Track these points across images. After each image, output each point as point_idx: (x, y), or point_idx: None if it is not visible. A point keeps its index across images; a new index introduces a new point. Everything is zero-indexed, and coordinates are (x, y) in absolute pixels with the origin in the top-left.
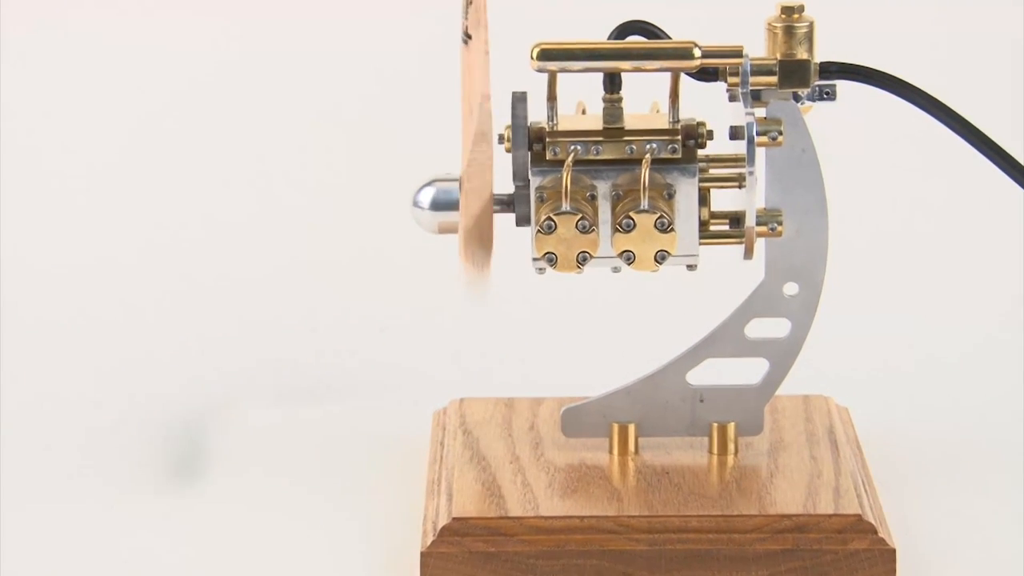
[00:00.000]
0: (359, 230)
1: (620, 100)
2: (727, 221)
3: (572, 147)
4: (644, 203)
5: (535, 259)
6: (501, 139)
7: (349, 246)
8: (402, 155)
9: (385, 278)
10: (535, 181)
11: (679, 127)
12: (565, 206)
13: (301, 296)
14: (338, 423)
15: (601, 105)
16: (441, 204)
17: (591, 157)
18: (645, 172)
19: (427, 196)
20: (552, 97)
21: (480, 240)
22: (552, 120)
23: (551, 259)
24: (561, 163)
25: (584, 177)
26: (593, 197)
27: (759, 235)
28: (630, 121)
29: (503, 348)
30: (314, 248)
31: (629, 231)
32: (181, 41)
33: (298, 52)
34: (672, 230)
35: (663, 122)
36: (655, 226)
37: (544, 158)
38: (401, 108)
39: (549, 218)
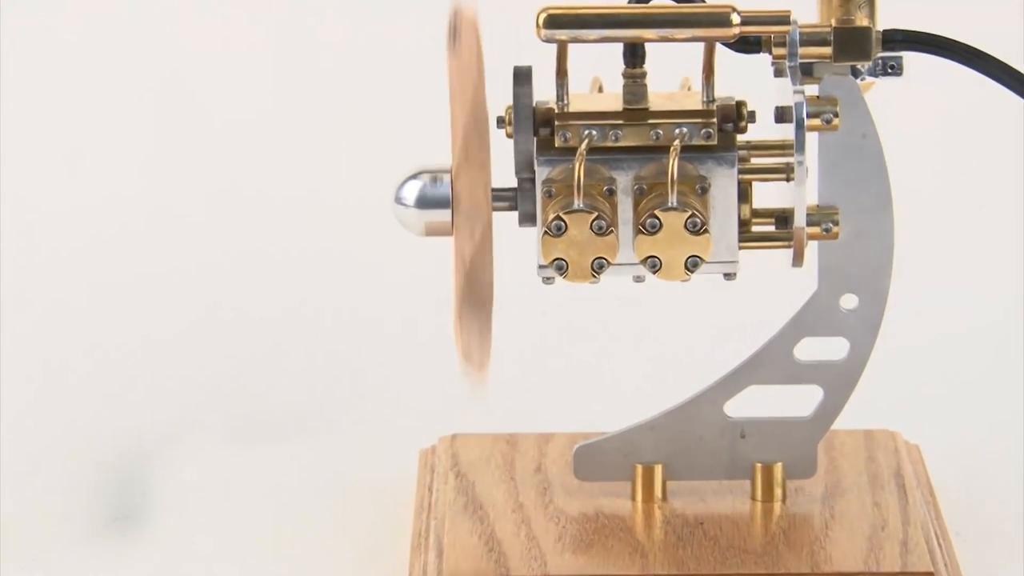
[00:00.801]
0: (332, 232)
1: (644, 76)
2: (772, 221)
3: (586, 132)
4: (672, 199)
5: (542, 266)
6: (501, 122)
7: (322, 249)
8: (384, 158)
9: (361, 287)
10: (542, 172)
11: (714, 108)
12: (578, 203)
13: (261, 312)
14: (304, 465)
15: (621, 82)
16: (429, 201)
17: (609, 144)
18: (674, 162)
19: (412, 191)
20: (562, 72)
21: (476, 317)
22: (562, 100)
23: (561, 266)
24: (573, 151)
25: (601, 168)
26: (611, 192)
27: (811, 237)
28: (656, 101)
29: (503, 373)
30: (282, 256)
31: (654, 233)
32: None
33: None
34: (706, 231)
35: (695, 102)
36: (686, 227)
37: (553, 145)
38: (395, 110)
39: (559, 217)
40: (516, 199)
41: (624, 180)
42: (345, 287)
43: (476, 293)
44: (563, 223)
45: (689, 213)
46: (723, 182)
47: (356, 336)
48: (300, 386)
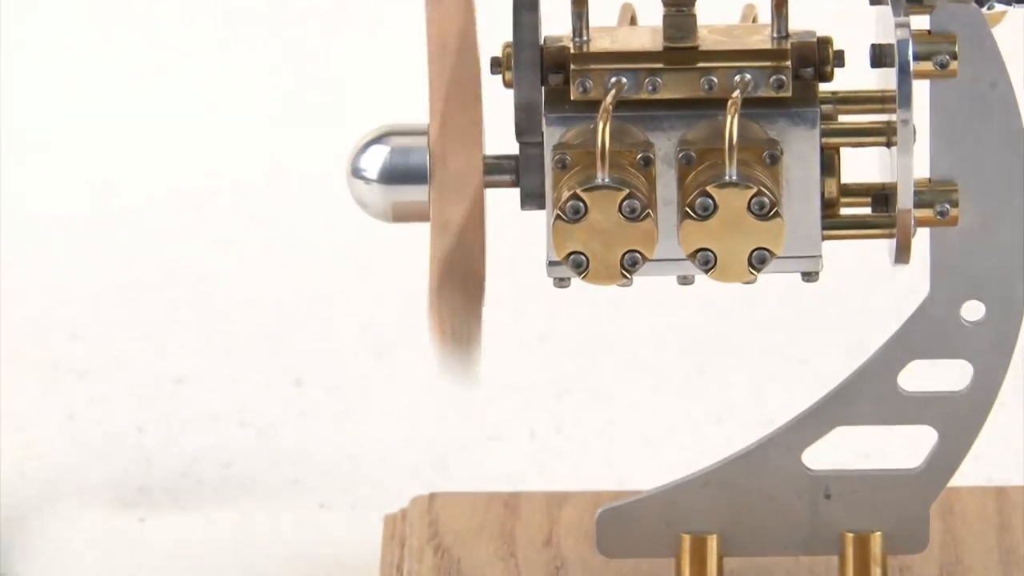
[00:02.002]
0: (272, 231)
1: (692, 2)
2: (868, 201)
3: (613, 79)
4: (731, 172)
5: (553, 263)
6: (496, 66)
7: (260, 249)
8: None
9: (305, 299)
10: (553, 135)
11: (789, 47)
12: (602, 176)
13: (184, 335)
14: (230, 536)
15: (661, 11)
16: (398, 172)
17: (645, 96)
18: (733, 120)
19: (375, 159)
20: (579, 3)
21: (463, 291)
22: (581, 35)
23: (579, 263)
24: (595, 105)
25: (633, 129)
26: (648, 162)
27: (920, 224)
28: (709, 37)
29: (497, 409)
30: (209, 268)
31: (707, 217)
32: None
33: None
34: (777, 215)
35: (762, 39)
36: (750, 208)
37: (567, 97)
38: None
39: (576, 196)
40: (517, 171)
41: (665, 145)
42: (284, 304)
43: (464, 269)
44: (582, 204)
45: (754, 190)
46: (801, 148)
47: (301, 363)
48: (220, 430)
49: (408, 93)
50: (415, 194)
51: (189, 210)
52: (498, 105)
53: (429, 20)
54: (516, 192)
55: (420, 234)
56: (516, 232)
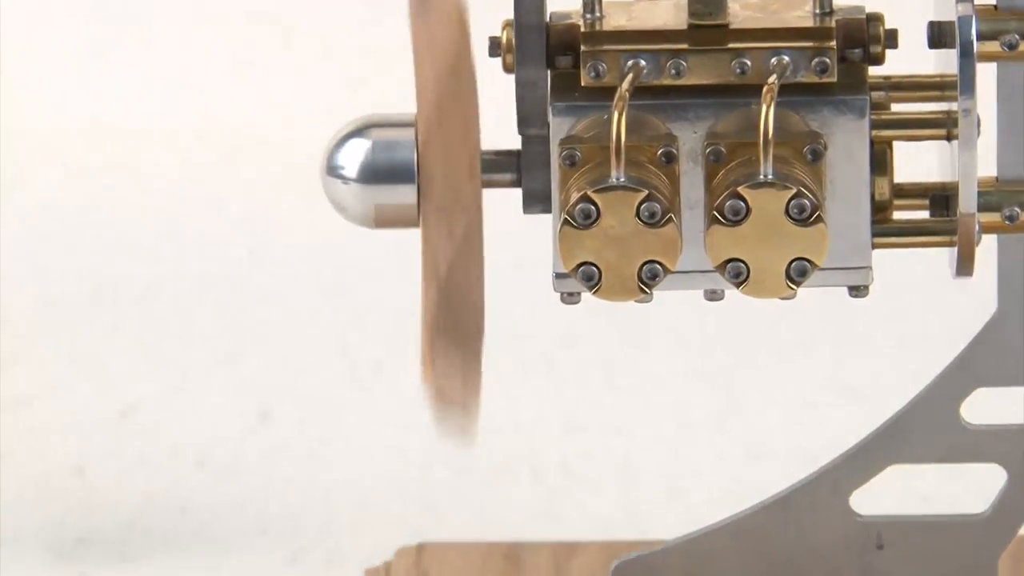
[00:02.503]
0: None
1: None
2: (925, 203)
3: (630, 62)
4: (767, 170)
5: (560, 275)
6: (495, 48)
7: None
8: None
9: (272, 316)
10: (560, 126)
11: (833, 24)
12: (617, 175)
13: (130, 359)
14: None
15: None
16: (381, 171)
17: (667, 82)
18: (769, 110)
19: (354, 155)
20: None
21: (458, 343)
22: (593, 11)
23: (590, 275)
24: (609, 92)
25: (654, 120)
26: (670, 158)
27: (985, 230)
28: (741, 14)
29: (496, 445)
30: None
31: (738, 222)
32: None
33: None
34: (820, 220)
35: (802, 15)
36: (788, 212)
37: (577, 83)
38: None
39: (587, 198)
40: (518, 169)
41: (690, 139)
42: (250, 326)
43: (457, 319)
44: (594, 207)
45: (793, 191)
46: (848, 141)
47: (266, 395)
48: (174, 472)
49: None
50: (400, 195)
51: (135, 216)
52: (497, 93)
53: (416, 32)
54: (518, 193)
55: (405, 240)
56: (518, 239)
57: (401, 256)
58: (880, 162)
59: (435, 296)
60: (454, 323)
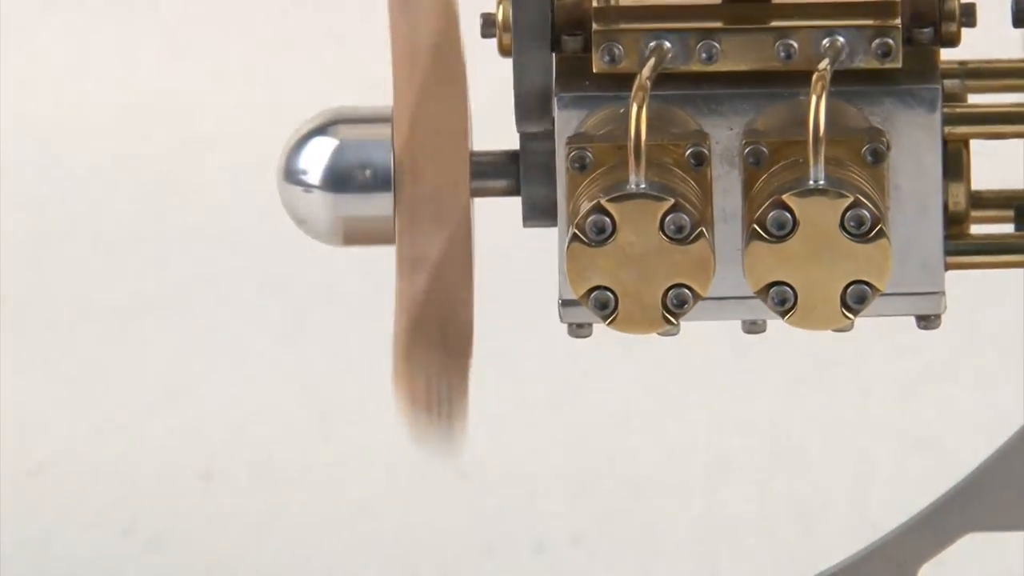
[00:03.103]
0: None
1: None
2: (1008, 215)
3: (652, 44)
4: (818, 174)
5: (567, 302)
6: (489, 27)
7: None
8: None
9: (217, 351)
10: (568, 122)
11: None
12: (637, 180)
13: (44, 407)
14: None
15: None
16: (350, 176)
17: (697, 68)
18: (820, 102)
19: (318, 157)
20: None
21: (442, 346)
22: None
23: (604, 303)
24: (627, 81)
25: (681, 114)
26: (700, 160)
27: None
28: None
29: (493, 510)
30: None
31: (784, 237)
32: None
33: None
34: (882, 234)
35: None
36: (844, 225)
37: (588, 69)
38: None
39: (600, 208)
40: (517, 174)
41: (726, 137)
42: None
43: (442, 343)
44: (609, 219)
45: (849, 200)
46: (915, 140)
47: (209, 451)
48: (98, 541)
49: None
50: (373, 206)
51: (56, 229)
52: (491, 81)
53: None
54: (515, 204)
55: (382, 258)
56: (515, 257)
57: (373, 274)
58: (954, 165)
59: (416, 292)
60: (438, 323)
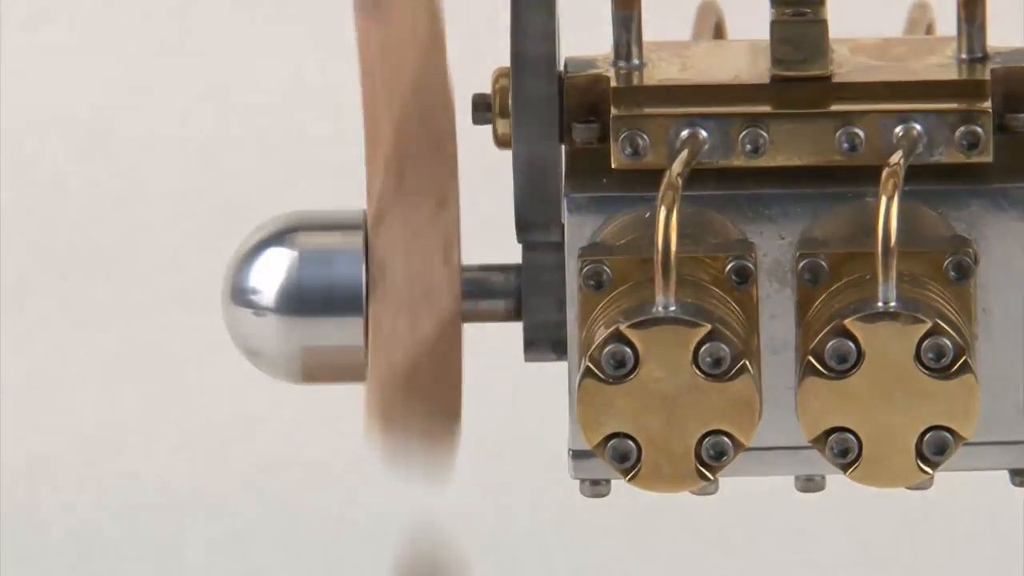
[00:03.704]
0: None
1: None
2: None
3: (685, 132)
4: (888, 293)
5: (578, 454)
6: (483, 109)
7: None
8: None
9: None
10: (580, 229)
11: (988, 76)
12: (665, 301)
13: None
14: None
15: (766, 17)
16: (312, 297)
17: (740, 163)
18: (891, 205)
19: (272, 272)
20: None
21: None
22: (629, 56)
23: (624, 453)
24: (652, 178)
25: (720, 219)
26: (743, 276)
27: None
28: (850, 60)
29: None
30: None
31: (846, 372)
32: None
33: None
34: (967, 369)
35: (941, 61)
36: (920, 359)
37: (606, 164)
38: None
39: (620, 336)
40: (517, 293)
41: (775, 248)
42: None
43: (430, 383)
44: (630, 350)
45: (927, 326)
46: (1009, 252)
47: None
48: None
49: None
50: (341, 332)
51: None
52: (483, 177)
53: (363, 44)
54: (515, 330)
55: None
56: (513, 389)
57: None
58: None
59: (397, 359)
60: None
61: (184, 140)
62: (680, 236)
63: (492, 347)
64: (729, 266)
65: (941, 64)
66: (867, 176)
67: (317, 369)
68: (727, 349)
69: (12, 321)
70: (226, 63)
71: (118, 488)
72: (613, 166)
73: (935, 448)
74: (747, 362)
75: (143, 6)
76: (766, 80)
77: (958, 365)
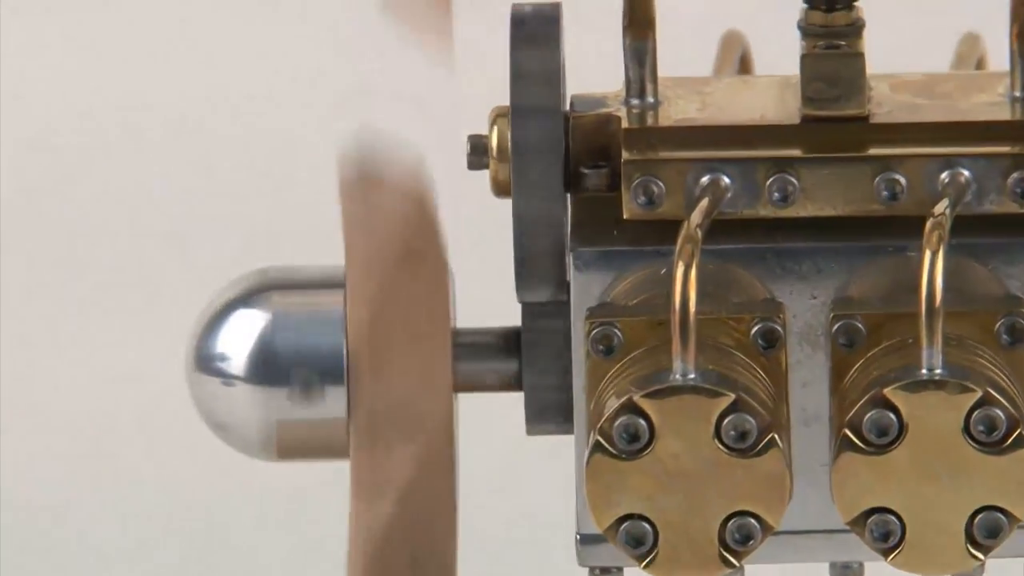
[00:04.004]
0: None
1: (857, 28)
2: None
3: (705, 179)
4: (933, 359)
5: (587, 538)
6: (479, 156)
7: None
8: None
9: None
10: (588, 288)
11: None
12: (683, 368)
13: None
14: None
15: (796, 48)
16: (285, 365)
17: (767, 213)
18: (936, 260)
19: (242, 337)
20: (641, 20)
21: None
22: (642, 93)
23: (639, 537)
24: (666, 229)
25: (745, 276)
26: (772, 340)
27: None
28: (889, 99)
29: None
30: None
31: (887, 446)
32: None
33: None
34: (1022, 442)
35: (991, 100)
36: (969, 431)
37: (617, 214)
38: None
39: (633, 407)
40: (518, 360)
41: (807, 309)
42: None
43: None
44: (644, 422)
45: (977, 395)
46: None
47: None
48: None
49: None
50: (320, 406)
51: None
52: (479, 229)
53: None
54: (514, 403)
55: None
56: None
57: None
58: None
59: (365, 561)
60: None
61: (185, 141)
62: (700, 295)
63: (488, 418)
64: (755, 329)
65: (992, 103)
66: (909, 228)
67: (293, 445)
68: (753, 421)
69: (12, 321)
70: (225, 63)
71: (117, 487)
72: (624, 216)
73: (987, 531)
74: (775, 435)
75: (143, 6)
76: (796, 120)
77: (1012, 439)
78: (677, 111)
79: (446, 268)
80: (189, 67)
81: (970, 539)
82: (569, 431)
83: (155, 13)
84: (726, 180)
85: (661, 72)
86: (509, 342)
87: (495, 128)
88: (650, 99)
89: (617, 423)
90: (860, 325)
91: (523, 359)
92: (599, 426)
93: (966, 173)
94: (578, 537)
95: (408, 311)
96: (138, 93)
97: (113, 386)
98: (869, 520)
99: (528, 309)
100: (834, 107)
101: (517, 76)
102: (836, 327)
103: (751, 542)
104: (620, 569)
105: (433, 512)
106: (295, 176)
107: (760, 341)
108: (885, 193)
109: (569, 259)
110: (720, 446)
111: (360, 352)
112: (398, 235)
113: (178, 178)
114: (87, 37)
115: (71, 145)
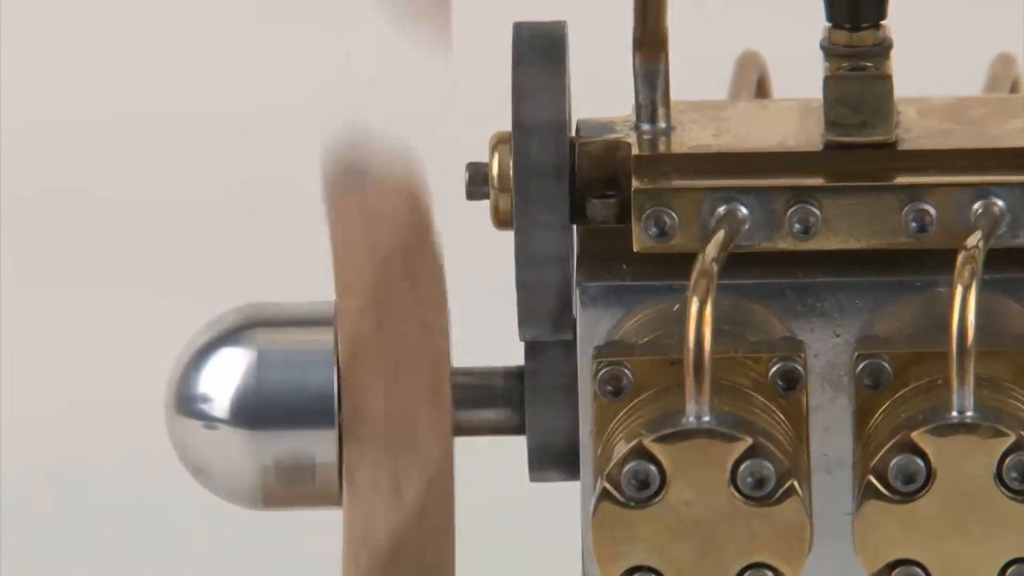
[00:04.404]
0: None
1: (885, 48)
2: None
3: (722, 209)
4: (963, 402)
5: None
6: (478, 185)
7: None
8: None
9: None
10: (595, 322)
11: None
12: (697, 411)
13: None
14: None
15: (818, 71)
16: (274, 407)
17: (786, 245)
18: (968, 296)
19: (227, 377)
20: (653, 41)
21: None
22: (654, 118)
23: None
24: (679, 263)
25: (763, 312)
26: (792, 381)
27: None
28: (918, 124)
29: None
30: None
31: (914, 494)
32: None
33: None
34: None
35: None
36: (1002, 478)
37: (627, 247)
38: None
39: (643, 452)
40: (521, 404)
41: (830, 347)
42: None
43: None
44: (655, 468)
45: (1010, 440)
46: None
47: None
48: None
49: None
50: (309, 447)
51: None
52: (479, 263)
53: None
54: (516, 446)
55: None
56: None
57: None
58: None
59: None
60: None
61: (187, 140)
62: (715, 333)
63: (489, 463)
64: (774, 369)
65: None
66: (939, 262)
67: (280, 492)
68: (771, 467)
69: (12, 321)
70: (227, 64)
71: (118, 486)
72: (635, 249)
73: None
74: (795, 482)
75: (144, 6)
76: (818, 147)
77: None
78: (691, 137)
79: (441, 267)
80: (189, 67)
81: None
82: (575, 477)
83: (155, 13)
84: (743, 211)
85: (674, 95)
86: (511, 383)
87: (496, 155)
88: (662, 124)
89: (626, 469)
90: (886, 365)
91: (526, 402)
92: (607, 472)
93: (1000, 203)
94: None
95: (403, 315)
96: (138, 93)
97: (113, 386)
98: (894, 573)
99: (531, 348)
100: (859, 133)
101: (520, 94)
102: (860, 367)
103: None
104: None
105: (431, 549)
106: (295, 176)
107: (779, 382)
108: (913, 225)
109: (575, 294)
110: (736, 494)
111: (352, 385)
112: (388, 232)
113: (178, 179)
114: (87, 37)
115: (71, 145)
